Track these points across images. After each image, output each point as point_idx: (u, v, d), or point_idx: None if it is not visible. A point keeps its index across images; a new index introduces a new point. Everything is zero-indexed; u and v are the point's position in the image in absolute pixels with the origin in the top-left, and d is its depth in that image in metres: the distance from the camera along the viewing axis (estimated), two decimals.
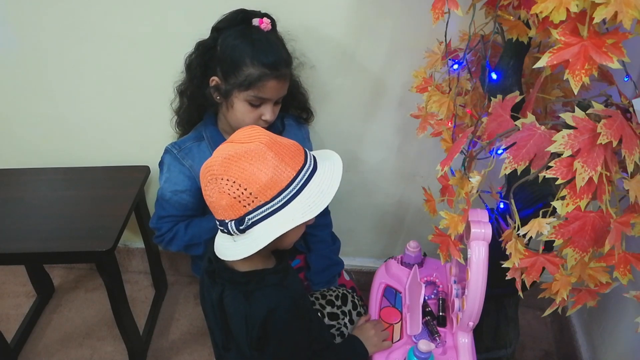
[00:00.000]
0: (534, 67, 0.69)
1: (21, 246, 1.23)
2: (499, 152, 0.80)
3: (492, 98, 0.88)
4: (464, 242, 0.99)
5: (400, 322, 1.14)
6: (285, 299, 0.90)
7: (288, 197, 0.80)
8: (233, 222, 0.80)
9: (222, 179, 0.79)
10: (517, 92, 0.86)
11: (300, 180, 0.81)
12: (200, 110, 1.23)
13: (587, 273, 0.82)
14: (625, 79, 0.83)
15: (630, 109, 0.76)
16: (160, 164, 1.23)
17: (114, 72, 1.34)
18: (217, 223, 0.85)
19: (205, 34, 1.13)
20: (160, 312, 1.68)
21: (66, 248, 1.23)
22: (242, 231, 0.80)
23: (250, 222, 0.80)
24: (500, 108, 0.84)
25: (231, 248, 0.83)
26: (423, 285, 1.09)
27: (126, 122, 1.44)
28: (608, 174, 0.71)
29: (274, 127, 1.21)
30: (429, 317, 1.12)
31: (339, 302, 1.24)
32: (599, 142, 0.67)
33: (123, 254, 1.77)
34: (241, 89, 1.08)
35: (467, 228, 0.94)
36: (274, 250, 0.93)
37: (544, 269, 0.83)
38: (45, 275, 1.73)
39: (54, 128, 1.48)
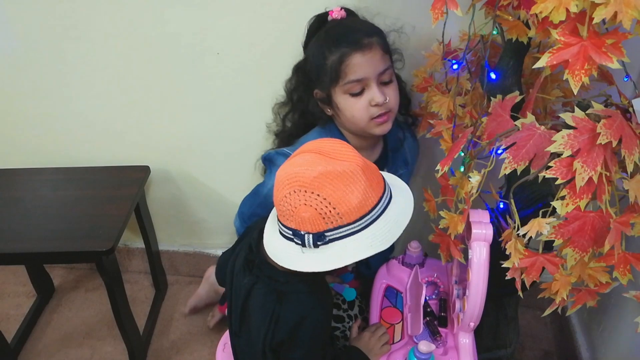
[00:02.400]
0: (534, 67, 0.69)
1: (21, 246, 1.23)
2: (499, 152, 0.80)
3: (491, 98, 0.88)
4: (464, 242, 0.99)
5: (401, 323, 1.14)
6: (317, 308, 0.90)
7: (368, 221, 0.79)
8: (312, 235, 0.79)
9: (312, 193, 0.77)
10: (517, 92, 0.86)
11: (381, 207, 0.81)
12: (307, 126, 1.16)
13: (587, 273, 0.83)
14: (625, 79, 0.83)
15: (630, 109, 0.76)
16: (269, 162, 1.16)
17: (114, 72, 1.34)
18: (285, 230, 0.82)
19: (206, 32, 1.13)
20: (160, 312, 1.68)
21: (66, 248, 1.23)
22: (317, 246, 0.79)
23: (327, 239, 0.79)
24: (500, 108, 0.85)
25: (300, 259, 0.81)
26: (424, 286, 1.09)
27: (127, 122, 1.44)
28: (608, 174, 0.71)
29: (393, 135, 1.11)
30: (430, 318, 1.12)
31: (345, 306, 1.23)
32: (598, 142, 0.67)
33: (123, 254, 1.77)
34: (333, 84, 1.00)
35: (468, 228, 0.94)
36: None
37: (543, 268, 0.83)
38: (45, 275, 1.73)
39: (54, 128, 1.48)
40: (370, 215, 0.79)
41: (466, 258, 0.97)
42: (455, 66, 1.00)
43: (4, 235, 1.26)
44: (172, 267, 1.78)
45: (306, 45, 1.07)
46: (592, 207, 0.75)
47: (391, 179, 0.89)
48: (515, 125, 0.78)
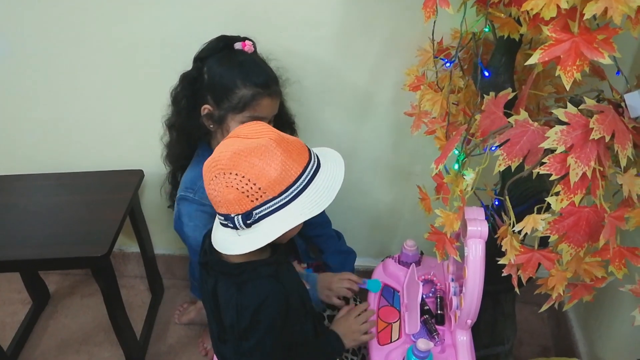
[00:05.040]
0: (526, 64, 0.70)
1: (15, 253, 1.22)
2: (493, 149, 0.81)
3: (484, 95, 0.88)
4: (460, 240, 0.99)
5: (398, 322, 1.14)
6: (276, 291, 0.90)
7: (295, 192, 0.81)
8: (240, 216, 0.81)
9: (230, 174, 0.80)
10: (510, 89, 0.86)
11: (307, 177, 0.82)
12: (190, 142, 1.22)
13: (583, 268, 0.83)
14: (617, 74, 0.83)
15: (622, 104, 0.77)
16: (179, 217, 1.21)
17: (106, 76, 1.34)
18: (220, 217, 0.85)
19: (199, 36, 1.13)
20: (157, 317, 1.67)
21: (61, 254, 1.22)
22: (249, 225, 0.81)
23: (257, 216, 0.81)
24: (493, 105, 0.85)
25: (235, 242, 0.84)
26: (421, 284, 1.09)
27: (119, 126, 1.43)
28: (601, 168, 0.71)
29: None
30: (427, 316, 1.12)
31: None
32: (591, 137, 0.68)
33: (118, 258, 1.76)
34: (236, 111, 1.09)
35: (464, 226, 0.94)
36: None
37: (539, 264, 0.83)
38: (40, 281, 1.72)
39: (46, 133, 1.47)
40: (296, 186, 0.81)
41: (462, 255, 0.97)
42: (447, 64, 1.00)
43: None
44: (168, 271, 1.78)
45: (202, 59, 1.12)
46: (587, 202, 0.75)
47: (320, 150, 0.91)
48: (509, 122, 0.78)
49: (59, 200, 1.38)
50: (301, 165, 0.82)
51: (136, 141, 1.45)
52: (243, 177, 0.79)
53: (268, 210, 0.81)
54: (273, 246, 0.95)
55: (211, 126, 1.14)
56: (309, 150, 0.87)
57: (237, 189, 0.79)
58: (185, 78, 1.15)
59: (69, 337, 1.62)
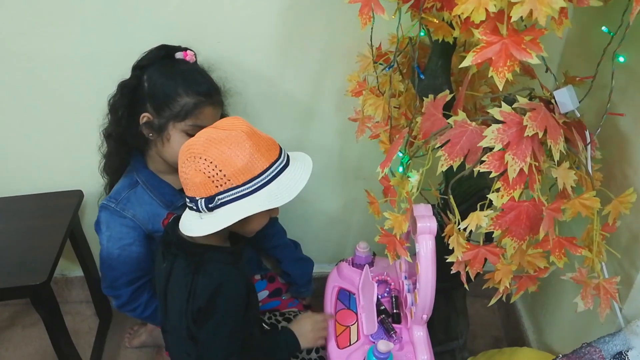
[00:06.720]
0: (460, 66, 0.72)
1: None
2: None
3: (424, 98, 0.90)
4: (410, 239, 1.00)
5: (356, 324, 1.14)
6: (235, 277, 0.95)
7: (259, 184, 0.87)
8: (203, 200, 0.87)
9: (200, 158, 0.86)
10: (447, 91, 0.88)
11: (272, 172, 0.89)
12: (129, 152, 1.19)
13: (526, 260, 0.86)
14: (546, 72, 0.87)
15: (552, 101, 0.81)
16: (97, 224, 1.18)
17: (36, 94, 1.27)
18: (187, 200, 0.91)
19: (132, 51, 1.09)
20: (106, 342, 1.60)
21: None
22: (211, 209, 0.87)
23: (219, 202, 0.86)
24: (432, 107, 0.87)
25: (196, 224, 0.90)
26: (375, 285, 1.10)
27: (53, 145, 1.36)
28: (537, 163, 0.74)
29: None
30: (384, 316, 1.12)
31: None
32: (526, 134, 0.70)
33: (61, 284, 1.67)
34: (177, 119, 1.07)
35: (413, 223, 0.95)
36: (232, 237, 1.00)
37: (486, 259, 0.85)
38: None
39: None
40: (260, 179, 0.87)
41: (412, 254, 0.98)
42: (387, 69, 1.01)
43: None
44: None
45: (141, 68, 1.10)
46: (526, 196, 0.78)
47: (294, 153, 0.98)
48: (448, 123, 0.80)
49: None
50: (269, 160, 0.88)
51: (73, 160, 1.39)
52: (211, 162, 0.85)
53: (230, 197, 0.86)
54: (233, 239, 1.00)
55: (150, 135, 1.12)
56: (280, 148, 0.93)
57: (204, 173, 0.85)
58: (125, 87, 1.11)
59: None
